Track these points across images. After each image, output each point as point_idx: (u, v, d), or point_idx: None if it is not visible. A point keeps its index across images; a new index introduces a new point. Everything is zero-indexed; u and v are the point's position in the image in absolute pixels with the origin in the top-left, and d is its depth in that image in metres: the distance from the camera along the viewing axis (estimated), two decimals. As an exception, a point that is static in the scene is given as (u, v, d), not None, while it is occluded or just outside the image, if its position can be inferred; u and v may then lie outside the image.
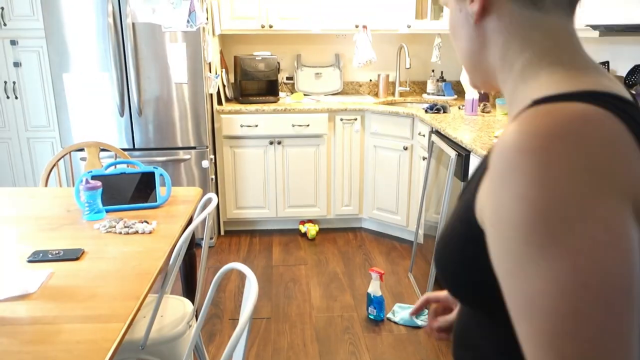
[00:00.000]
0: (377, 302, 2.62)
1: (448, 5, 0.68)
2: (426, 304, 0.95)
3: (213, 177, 3.61)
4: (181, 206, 2.04)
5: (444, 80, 4.14)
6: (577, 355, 0.44)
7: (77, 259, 1.56)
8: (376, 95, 4.22)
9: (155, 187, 2.04)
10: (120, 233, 1.76)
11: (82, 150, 3.01)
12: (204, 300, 1.95)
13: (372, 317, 2.67)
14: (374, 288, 2.59)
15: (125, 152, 3.10)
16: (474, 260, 0.57)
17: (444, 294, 0.91)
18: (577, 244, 0.45)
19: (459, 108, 3.56)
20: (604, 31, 1.94)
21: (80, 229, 1.79)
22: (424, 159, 3.25)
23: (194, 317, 1.90)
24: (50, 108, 3.83)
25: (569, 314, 0.45)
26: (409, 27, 3.77)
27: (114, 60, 3.21)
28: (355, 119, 3.70)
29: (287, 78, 4.21)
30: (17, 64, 3.75)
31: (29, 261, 1.54)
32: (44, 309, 1.28)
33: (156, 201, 2.03)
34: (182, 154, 3.43)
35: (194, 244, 2.20)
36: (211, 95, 3.54)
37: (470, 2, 0.62)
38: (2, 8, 3.64)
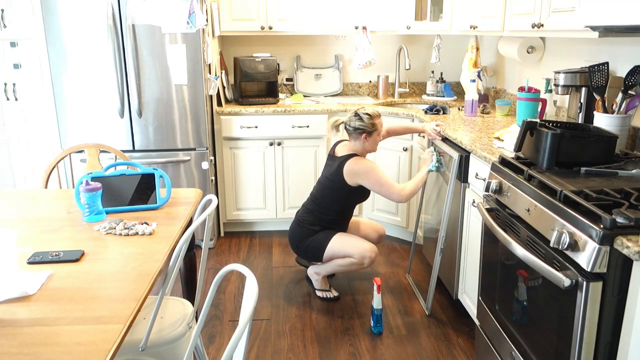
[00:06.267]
0: (373, 316, 2.61)
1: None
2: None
3: (213, 178, 3.61)
4: (181, 207, 2.04)
5: (444, 82, 4.14)
6: (386, 187, 2.73)
7: (77, 260, 1.56)
8: (376, 96, 4.23)
9: (155, 188, 2.04)
10: (120, 234, 1.76)
11: (82, 151, 3.02)
12: (204, 302, 1.95)
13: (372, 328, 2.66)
14: (375, 300, 2.59)
15: (125, 154, 3.10)
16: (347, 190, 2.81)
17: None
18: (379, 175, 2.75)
19: (459, 109, 3.56)
20: (604, 32, 1.94)
21: (80, 231, 1.80)
22: (423, 160, 3.26)
23: (194, 319, 1.90)
24: (50, 110, 3.84)
25: (382, 184, 2.73)
26: (408, 28, 3.77)
27: (114, 62, 3.21)
28: (355, 120, 3.69)
29: (287, 79, 4.22)
30: (17, 66, 3.75)
31: (29, 263, 1.54)
32: (44, 311, 1.28)
33: (156, 203, 2.03)
34: (182, 156, 3.43)
35: (193, 246, 2.20)
36: (211, 96, 3.54)
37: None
38: (2, 10, 3.64)
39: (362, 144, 2.80)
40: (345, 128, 2.82)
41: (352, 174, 2.73)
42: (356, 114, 2.78)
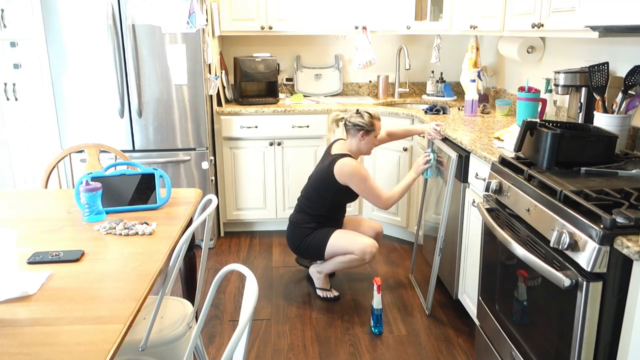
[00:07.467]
0: (373, 316, 2.61)
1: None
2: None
3: (213, 178, 3.61)
4: (181, 207, 2.04)
5: (444, 82, 4.14)
6: (373, 193, 2.80)
7: (77, 260, 1.56)
8: (376, 96, 4.23)
9: (155, 188, 2.04)
10: (120, 234, 1.76)
11: (82, 151, 3.02)
12: (204, 302, 1.95)
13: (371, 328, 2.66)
14: (375, 300, 2.59)
15: (125, 154, 3.10)
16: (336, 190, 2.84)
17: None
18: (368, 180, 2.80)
19: (459, 109, 3.56)
20: (604, 32, 1.94)
21: (80, 231, 1.80)
22: (423, 160, 3.25)
23: (194, 319, 1.90)
24: (50, 110, 3.83)
25: (369, 188, 2.77)
26: (408, 28, 3.77)
27: (114, 62, 3.21)
28: (355, 120, 3.69)
29: (287, 79, 4.22)
30: (17, 66, 3.75)
31: (29, 262, 1.54)
32: (44, 311, 1.28)
33: (156, 202, 2.03)
34: (182, 156, 3.43)
35: (193, 246, 2.20)
36: (211, 96, 3.54)
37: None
38: (2, 10, 3.64)
39: (358, 142, 2.85)
40: (345, 124, 2.88)
41: (341, 173, 2.77)
42: (357, 112, 2.85)
